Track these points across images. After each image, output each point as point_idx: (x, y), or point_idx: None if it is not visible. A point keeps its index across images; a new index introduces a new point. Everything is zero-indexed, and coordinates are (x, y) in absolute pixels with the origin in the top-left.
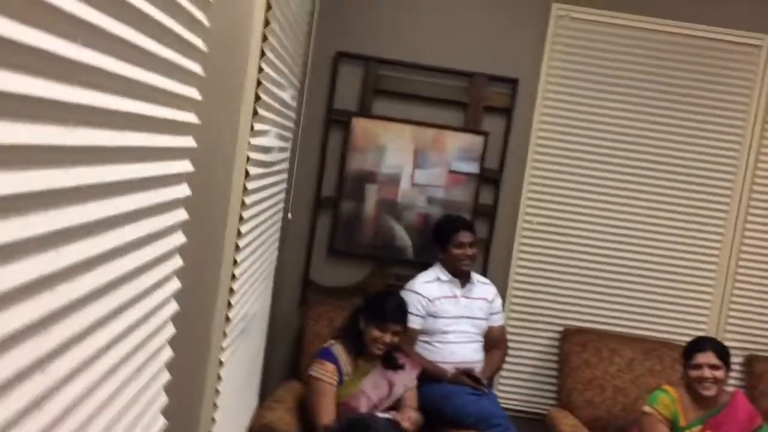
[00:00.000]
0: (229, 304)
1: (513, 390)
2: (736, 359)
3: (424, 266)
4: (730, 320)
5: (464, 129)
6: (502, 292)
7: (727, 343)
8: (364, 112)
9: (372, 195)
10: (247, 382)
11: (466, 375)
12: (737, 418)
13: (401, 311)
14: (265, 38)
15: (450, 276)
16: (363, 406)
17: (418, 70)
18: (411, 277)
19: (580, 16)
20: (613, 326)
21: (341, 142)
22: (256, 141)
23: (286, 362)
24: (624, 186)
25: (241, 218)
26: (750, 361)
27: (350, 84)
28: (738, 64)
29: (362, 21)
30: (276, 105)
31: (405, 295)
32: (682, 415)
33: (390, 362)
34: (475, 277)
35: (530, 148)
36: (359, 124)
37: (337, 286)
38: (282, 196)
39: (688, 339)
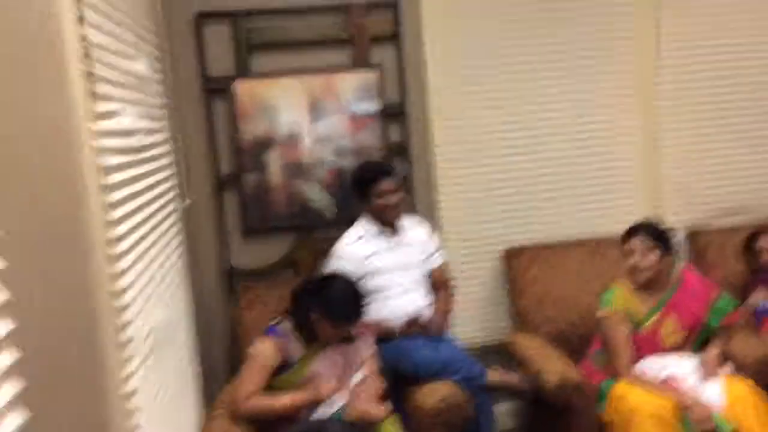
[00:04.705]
0: (121, 323)
1: (468, 325)
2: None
3: (351, 222)
4: (661, 201)
5: (354, 67)
6: (435, 229)
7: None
8: (244, 73)
9: (274, 161)
10: (181, 397)
11: (415, 325)
12: (695, 293)
13: (358, 307)
14: None
15: (379, 227)
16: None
17: (289, 15)
18: (339, 238)
19: None
20: (551, 237)
21: (227, 111)
22: (107, 125)
23: (228, 361)
24: (533, 93)
25: (111, 222)
26: (692, 236)
27: (220, 46)
28: None
29: None
30: (127, 79)
31: (334, 262)
32: (638, 308)
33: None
34: (406, 219)
35: (429, 73)
36: (242, 88)
37: (262, 266)
38: (172, 183)
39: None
